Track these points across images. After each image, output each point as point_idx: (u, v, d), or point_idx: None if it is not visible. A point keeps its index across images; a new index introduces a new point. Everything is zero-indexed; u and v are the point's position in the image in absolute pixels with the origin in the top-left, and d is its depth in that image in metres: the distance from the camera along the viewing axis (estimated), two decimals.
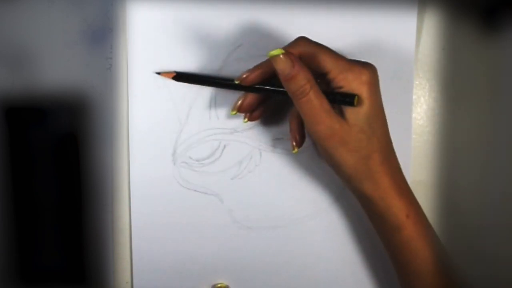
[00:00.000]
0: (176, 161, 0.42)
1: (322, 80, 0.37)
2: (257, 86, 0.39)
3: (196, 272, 0.44)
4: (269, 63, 0.36)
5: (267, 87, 0.38)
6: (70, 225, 0.43)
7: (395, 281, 0.41)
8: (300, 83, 0.35)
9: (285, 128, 0.42)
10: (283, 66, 0.35)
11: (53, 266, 0.43)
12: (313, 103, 0.35)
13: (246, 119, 0.41)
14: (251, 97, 0.40)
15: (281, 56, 0.35)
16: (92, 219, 0.43)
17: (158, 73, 0.41)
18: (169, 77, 0.41)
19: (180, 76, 0.41)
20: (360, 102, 0.35)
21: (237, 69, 0.41)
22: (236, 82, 0.39)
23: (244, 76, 0.38)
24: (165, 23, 0.41)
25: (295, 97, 0.36)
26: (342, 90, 0.36)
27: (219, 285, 0.44)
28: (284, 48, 0.36)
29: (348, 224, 0.43)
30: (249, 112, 0.41)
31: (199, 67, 0.42)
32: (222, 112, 0.42)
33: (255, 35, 0.41)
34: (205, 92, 0.42)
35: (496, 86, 0.43)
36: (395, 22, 0.41)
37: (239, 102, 0.40)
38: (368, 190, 0.37)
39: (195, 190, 0.43)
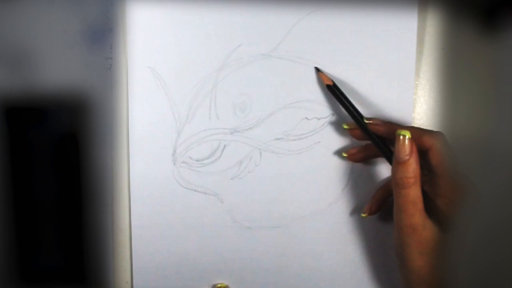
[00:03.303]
0: (176, 161, 0.42)
1: (429, 177, 0.38)
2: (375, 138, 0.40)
3: (196, 272, 0.44)
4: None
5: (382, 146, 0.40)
6: (70, 225, 0.43)
7: (396, 281, 0.41)
8: (406, 174, 0.36)
9: (285, 128, 0.42)
10: (402, 148, 0.36)
11: (53, 266, 0.43)
12: (409, 199, 0.36)
13: (346, 154, 0.42)
14: (364, 153, 0.42)
15: (407, 138, 0.36)
16: (92, 219, 0.43)
17: (318, 69, 0.41)
18: (326, 82, 0.41)
19: (335, 88, 0.41)
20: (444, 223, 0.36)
21: (237, 69, 0.42)
22: (344, 155, 0.42)
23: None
24: (165, 23, 0.41)
25: (396, 184, 0.37)
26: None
27: (219, 285, 0.44)
28: (418, 133, 0.37)
29: (348, 224, 0.43)
30: (357, 160, 0.42)
31: (199, 67, 0.42)
32: (222, 112, 0.42)
33: (255, 35, 0.41)
34: (205, 92, 0.42)
35: (496, 86, 0.43)
36: (395, 22, 0.41)
37: (353, 151, 0.42)
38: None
39: (195, 190, 0.43)
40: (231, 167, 0.43)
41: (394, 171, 0.37)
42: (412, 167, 0.36)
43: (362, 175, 0.43)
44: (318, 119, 0.42)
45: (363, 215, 0.42)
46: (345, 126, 0.41)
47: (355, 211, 0.43)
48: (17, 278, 0.42)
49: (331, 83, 0.40)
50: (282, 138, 0.42)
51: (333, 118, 0.42)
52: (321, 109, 0.42)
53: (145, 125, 0.42)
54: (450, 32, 0.42)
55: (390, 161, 0.38)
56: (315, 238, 0.43)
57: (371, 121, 0.40)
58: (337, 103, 0.41)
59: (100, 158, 0.43)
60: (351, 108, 0.40)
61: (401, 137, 0.37)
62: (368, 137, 0.40)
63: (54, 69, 0.42)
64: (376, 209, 0.42)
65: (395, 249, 0.38)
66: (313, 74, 0.42)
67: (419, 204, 0.36)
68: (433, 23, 0.42)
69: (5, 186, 0.42)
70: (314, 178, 0.43)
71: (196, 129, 0.42)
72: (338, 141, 0.42)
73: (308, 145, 0.42)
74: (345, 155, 0.42)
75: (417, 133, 0.37)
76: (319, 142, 0.42)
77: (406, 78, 0.42)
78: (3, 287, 0.43)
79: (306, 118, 0.42)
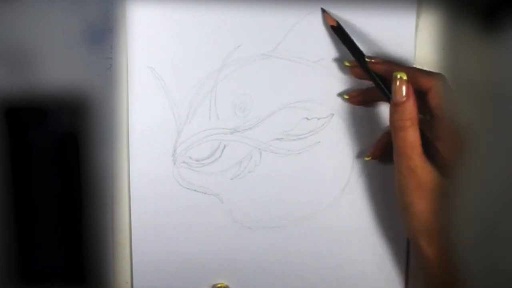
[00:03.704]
0: (176, 161, 0.42)
1: (429, 120, 0.37)
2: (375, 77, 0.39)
3: (196, 272, 0.44)
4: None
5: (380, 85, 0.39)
6: (70, 225, 0.43)
7: (396, 281, 0.41)
8: (402, 116, 0.36)
9: (285, 128, 0.42)
10: (399, 90, 0.36)
11: (53, 266, 0.43)
12: (406, 141, 0.36)
13: (369, 157, 0.42)
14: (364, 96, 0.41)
15: (404, 79, 0.36)
16: (92, 219, 0.43)
17: (323, 10, 0.41)
18: (330, 23, 0.40)
19: (339, 29, 0.40)
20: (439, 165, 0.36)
21: (237, 69, 0.42)
22: (346, 97, 0.41)
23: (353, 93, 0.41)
24: (165, 23, 0.41)
25: (393, 127, 0.36)
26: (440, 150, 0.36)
27: (219, 285, 0.44)
28: (418, 75, 0.37)
29: (348, 224, 0.43)
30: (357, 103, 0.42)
31: (199, 67, 0.42)
32: (222, 112, 0.42)
33: (255, 35, 0.41)
34: (205, 92, 0.42)
35: (496, 86, 0.43)
36: (394, 22, 0.41)
37: (354, 93, 0.41)
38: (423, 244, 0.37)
39: (195, 190, 0.43)
40: (231, 167, 0.43)
41: (391, 114, 0.36)
42: (408, 109, 0.36)
43: (362, 175, 0.43)
44: (318, 119, 0.42)
45: (367, 158, 0.41)
46: (347, 64, 0.41)
47: (355, 211, 0.43)
48: (17, 278, 0.42)
49: (335, 24, 0.40)
50: (282, 138, 0.42)
51: (333, 118, 0.42)
52: (321, 109, 0.42)
53: (145, 125, 0.42)
54: (450, 32, 0.42)
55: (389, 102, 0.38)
56: (315, 238, 0.43)
57: (372, 60, 0.39)
58: (337, 97, 0.41)
59: (100, 158, 0.43)
60: (353, 46, 0.40)
61: (398, 78, 0.36)
62: (369, 76, 0.39)
63: (54, 69, 0.42)
64: (379, 153, 0.41)
65: (395, 195, 0.38)
66: (313, 74, 0.42)
67: (417, 147, 0.36)
68: (433, 23, 0.42)
69: (5, 186, 0.42)
70: (314, 178, 0.43)
71: (196, 129, 0.42)
72: (338, 141, 0.42)
73: (308, 145, 0.42)
74: (346, 97, 0.41)
75: (417, 74, 0.37)
76: (319, 142, 0.42)
77: None
78: (3, 287, 0.43)
79: (306, 118, 0.42)
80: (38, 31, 0.42)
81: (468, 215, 0.39)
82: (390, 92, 0.38)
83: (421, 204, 0.36)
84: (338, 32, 0.40)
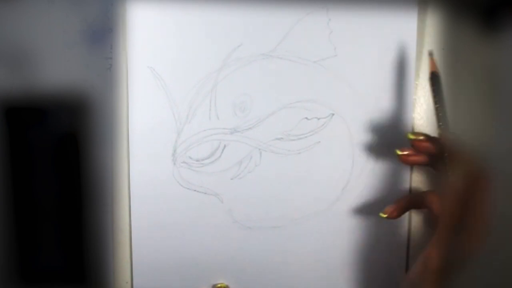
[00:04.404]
0: (176, 161, 0.42)
1: None
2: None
3: (196, 272, 0.44)
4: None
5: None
6: (70, 225, 0.43)
7: (395, 281, 0.41)
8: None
9: (285, 128, 0.42)
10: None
11: (53, 266, 0.43)
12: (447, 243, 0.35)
13: (386, 215, 0.41)
14: (400, 208, 0.40)
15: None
16: (92, 219, 0.43)
17: (431, 54, 0.39)
18: (432, 69, 0.39)
19: (436, 80, 0.39)
20: None
21: (237, 69, 0.42)
22: (383, 215, 0.40)
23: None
24: (165, 23, 0.41)
25: (444, 225, 0.35)
26: None
27: (219, 285, 0.44)
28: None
29: (348, 224, 0.43)
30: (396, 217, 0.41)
31: (199, 67, 0.42)
32: (222, 112, 0.42)
33: (255, 35, 0.41)
34: (205, 92, 0.42)
35: (496, 86, 0.43)
36: (395, 22, 0.41)
37: (391, 209, 0.40)
38: None
39: (195, 190, 0.43)
40: (231, 167, 0.43)
41: (444, 213, 0.35)
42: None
43: (362, 175, 0.43)
44: (318, 119, 0.42)
45: (383, 215, 0.40)
46: (411, 136, 0.39)
47: (355, 211, 0.43)
48: (17, 278, 0.42)
49: (437, 72, 0.39)
50: (282, 138, 0.42)
51: (333, 118, 0.42)
52: (321, 109, 0.42)
53: (145, 125, 0.42)
54: (450, 32, 0.42)
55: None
56: (315, 238, 0.43)
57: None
58: (338, 98, 0.41)
59: (100, 158, 0.43)
60: (442, 104, 0.38)
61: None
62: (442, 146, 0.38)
63: (54, 69, 0.42)
64: (397, 215, 0.40)
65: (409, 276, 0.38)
66: (313, 74, 0.42)
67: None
68: (433, 23, 0.42)
69: (5, 186, 0.42)
70: (314, 178, 0.43)
71: (196, 129, 0.42)
72: (338, 141, 0.42)
73: (308, 145, 0.42)
74: (384, 215, 0.40)
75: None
76: (319, 142, 0.42)
77: (406, 78, 0.42)
78: (3, 287, 0.43)
79: (306, 118, 0.42)
80: (38, 31, 0.42)
81: None
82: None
83: None
84: (435, 82, 0.39)
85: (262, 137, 0.42)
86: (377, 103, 0.42)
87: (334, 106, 0.42)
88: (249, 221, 0.43)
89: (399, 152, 0.39)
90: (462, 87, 0.43)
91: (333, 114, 0.42)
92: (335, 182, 0.43)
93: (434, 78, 0.39)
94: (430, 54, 0.39)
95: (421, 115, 0.43)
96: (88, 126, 0.42)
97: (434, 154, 0.38)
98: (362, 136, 0.42)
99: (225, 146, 0.43)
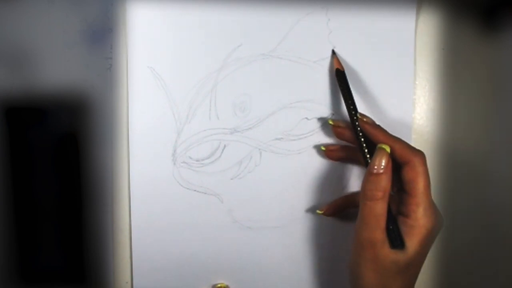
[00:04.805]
0: (176, 161, 0.42)
1: (398, 194, 0.38)
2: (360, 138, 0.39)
3: (196, 272, 0.44)
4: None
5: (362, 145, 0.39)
6: (70, 225, 0.43)
7: None
8: (376, 187, 0.36)
9: (285, 128, 0.42)
10: (379, 161, 0.36)
11: (53, 266, 0.43)
12: (373, 213, 0.36)
13: (322, 212, 0.42)
14: (342, 152, 0.42)
15: (387, 151, 0.36)
16: (92, 219, 0.43)
17: (334, 52, 0.41)
18: (336, 66, 0.40)
19: (342, 76, 0.40)
20: (407, 250, 0.36)
21: (237, 69, 0.42)
22: (323, 148, 0.42)
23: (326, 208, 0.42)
24: (165, 23, 0.41)
25: (363, 195, 0.36)
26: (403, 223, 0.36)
27: (219, 285, 0.44)
28: (401, 147, 0.37)
29: (348, 224, 0.43)
30: (334, 158, 0.42)
31: (199, 67, 0.42)
32: (222, 112, 0.42)
33: (255, 35, 0.41)
34: (205, 92, 0.42)
35: (496, 86, 0.43)
36: (394, 22, 0.41)
37: (326, 207, 0.42)
38: None
39: (195, 190, 0.43)
40: (231, 167, 0.43)
41: (364, 182, 0.37)
42: (383, 182, 0.36)
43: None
44: (318, 119, 0.42)
45: (319, 212, 0.42)
46: (330, 122, 0.41)
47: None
48: (17, 278, 0.42)
49: (342, 69, 0.40)
50: (282, 138, 0.42)
51: (333, 118, 0.42)
52: (321, 109, 0.42)
53: (145, 125, 0.42)
54: (450, 32, 0.42)
55: (366, 165, 0.38)
56: (315, 238, 0.43)
57: (364, 118, 0.39)
58: (337, 98, 0.41)
59: (100, 158, 0.43)
60: (350, 98, 0.40)
61: (381, 149, 0.36)
62: (353, 135, 0.39)
63: (54, 69, 0.42)
64: (332, 213, 0.42)
65: (349, 263, 0.38)
66: (313, 74, 0.42)
67: (382, 221, 0.36)
68: (433, 23, 0.42)
69: (5, 186, 0.42)
70: (314, 178, 0.43)
71: (196, 129, 0.42)
72: (338, 141, 0.42)
73: (308, 145, 0.42)
74: (323, 148, 0.42)
75: (399, 146, 0.37)
76: (319, 142, 0.42)
77: (406, 78, 0.42)
78: (3, 287, 0.43)
79: (306, 118, 0.42)
80: (38, 31, 0.42)
81: None
82: (369, 157, 0.38)
83: (373, 277, 0.36)
84: (341, 78, 0.40)
85: (262, 137, 0.42)
86: (376, 103, 0.42)
87: (334, 106, 0.42)
88: (249, 221, 0.43)
89: (323, 148, 0.42)
90: (462, 87, 0.43)
91: (333, 114, 0.42)
92: (335, 182, 0.43)
93: (340, 75, 0.40)
94: (333, 53, 0.41)
95: (421, 115, 0.43)
96: (88, 126, 0.42)
97: (354, 146, 0.40)
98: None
99: (225, 146, 0.43)
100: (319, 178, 0.43)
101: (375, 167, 0.36)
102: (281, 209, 0.43)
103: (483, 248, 0.44)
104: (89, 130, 0.42)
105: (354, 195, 0.42)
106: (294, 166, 0.43)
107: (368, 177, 0.36)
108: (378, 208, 0.36)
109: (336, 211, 0.42)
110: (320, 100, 0.42)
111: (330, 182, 0.43)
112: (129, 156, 0.42)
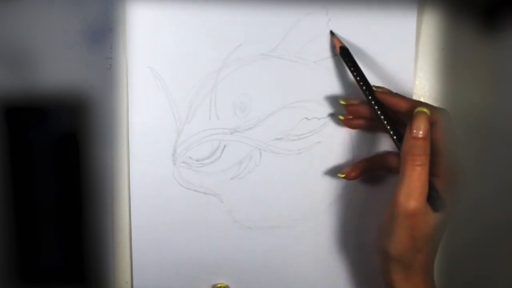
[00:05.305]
0: (176, 161, 0.42)
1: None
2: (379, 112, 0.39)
3: (196, 272, 0.44)
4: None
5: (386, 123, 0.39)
6: (70, 225, 0.43)
7: None
8: (420, 151, 0.35)
9: (285, 128, 0.42)
10: (423, 126, 0.36)
11: (53, 266, 0.43)
12: (421, 178, 0.35)
13: (343, 175, 0.41)
14: (360, 168, 0.41)
15: (428, 114, 0.36)
16: (92, 219, 0.43)
17: (332, 33, 0.41)
18: (338, 44, 0.40)
19: (346, 53, 0.40)
20: (445, 211, 0.36)
21: (237, 69, 0.42)
22: (341, 176, 0.41)
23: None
24: (165, 23, 0.41)
25: (411, 159, 0.36)
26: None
27: (219, 285, 0.44)
28: (420, 104, 0.37)
29: (348, 224, 0.43)
30: (352, 178, 0.41)
31: (199, 67, 0.42)
32: (222, 112, 0.42)
33: (255, 35, 0.41)
34: (205, 92, 0.42)
35: (496, 86, 0.43)
36: (395, 22, 0.41)
37: (349, 170, 0.41)
38: (399, 279, 0.37)
39: (195, 190, 0.43)
40: (231, 167, 0.43)
41: (409, 147, 0.36)
42: (427, 146, 0.35)
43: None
44: (318, 119, 0.42)
45: (341, 175, 0.41)
46: (342, 102, 0.41)
47: (355, 212, 0.43)
48: (17, 278, 0.42)
49: (344, 46, 0.40)
50: (282, 138, 0.42)
51: (333, 118, 0.42)
52: (321, 109, 0.42)
53: (145, 125, 0.42)
54: (450, 32, 0.42)
55: (394, 135, 0.38)
56: (315, 238, 0.43)
57: (379, 89, 0.39)
58: (337, 97, 0.41)
59: (100, 158, 0.43)
60: (360, 74, 0.39)
61: (422, 112, 0.36)
62: (372, 108, 0.39)
63: (54, 69, 0.42)
64: (356, 176, 0.41)
65: (380, 225, 0.38)
66: (313, 74, 0.42)
67: (426, 185, 0.35)
68: (433, 23, 0.42)
69: (5, 186, 0.42)
70: (314, 178, 0.43)
71: (196, 129, 0.42)
72: (338, 141, 0.42)
73: (308, 145, 0.42)
74: (341, 176, 0.41)
75: (425, 107, 0.37)
76: (319, 142, 0.42)
77: (406, 78, 0.42)
78: (3, 287, 0.43)
79: (306, 118, 0.42)
80: (38, 31, 0.42)
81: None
82: (393, 126, 0.38)
83: (406, 243, 0.36)
84: (346, 56, 0.40)
85: (262, 137, 0.42)
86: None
87: (334, 106, 0.42)
88: (249, 221, 0.43)
89: (341, 117, 0.41)
90: (462, 87, 0.43)
91: (333, 114, 0.42)
92: (335, 182, 0.43)
93: (344, 52, 0.40)
94: (332, 33, 0.41)
95: None
96: (88, 126, 0.42)
97: (371, 117, 0.40)
98: (362, 136, 0.42)
99: (225, 146, 0.43)
100: (319, 178, 0.43)
101: (420, 131, 0.35)
102: (282, 209, 0.43)
103: (483, 248, 0.44)
104: (89, 130, 0.42)
105: (376, 157, 0.42)
106: (294, 166, 0.43)
107: (414, 142, 0.35)
108: (424, 173, 0.35)
109: (358, 174, 0.41)
110: (320, 100, 0.42)
111: (330, 181, 0.43)
112: (129, 156, 0.42)
